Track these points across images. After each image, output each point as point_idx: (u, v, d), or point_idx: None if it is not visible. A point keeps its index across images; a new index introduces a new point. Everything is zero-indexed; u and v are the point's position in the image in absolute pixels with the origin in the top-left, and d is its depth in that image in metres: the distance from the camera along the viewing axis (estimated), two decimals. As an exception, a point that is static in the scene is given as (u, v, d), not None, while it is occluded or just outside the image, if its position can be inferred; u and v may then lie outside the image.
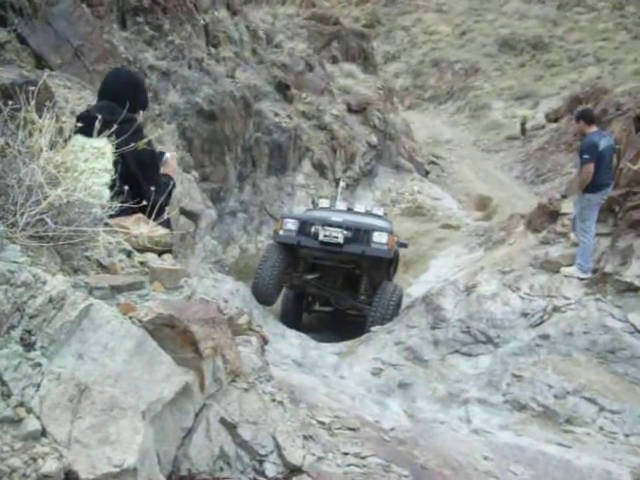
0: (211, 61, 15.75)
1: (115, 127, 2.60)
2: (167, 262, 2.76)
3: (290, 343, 9.57)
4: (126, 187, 2.51)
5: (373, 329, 10.08)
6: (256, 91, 16.91)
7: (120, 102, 3.56)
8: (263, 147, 16.46)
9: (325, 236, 10.66)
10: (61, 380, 1.72)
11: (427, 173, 25.69)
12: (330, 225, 10.76)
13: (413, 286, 13.25)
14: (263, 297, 10.60)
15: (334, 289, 11.59)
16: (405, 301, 11.38)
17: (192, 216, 10.98)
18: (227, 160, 14.72)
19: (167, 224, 3.00)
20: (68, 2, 10.21)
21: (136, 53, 12.93)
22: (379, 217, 12.39)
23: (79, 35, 9.95)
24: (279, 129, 17.08)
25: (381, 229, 11.10)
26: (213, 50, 16.43)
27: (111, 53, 11.48)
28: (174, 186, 3.89)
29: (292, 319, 12.04)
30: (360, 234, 10.77)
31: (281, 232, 10.99)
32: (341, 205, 12.73)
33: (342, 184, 16.16)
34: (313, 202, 14.18)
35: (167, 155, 4.02)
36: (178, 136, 12.96)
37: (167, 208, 3.06)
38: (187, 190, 10.89)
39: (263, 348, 3.71)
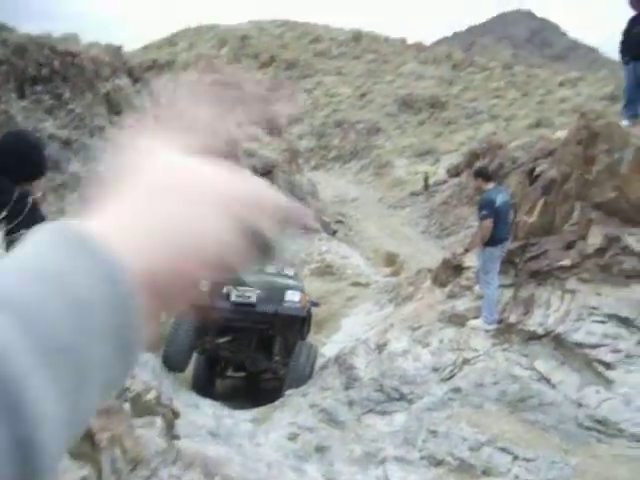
0: (113, 129, 15.63)
1: (4, 213, 2.50)
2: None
3: (204, 413, 9.34)
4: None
5: (288, 392, 9.99)
6: (161, 158, 16.83)
7: (7, 174, 3.41)
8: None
9: (238, 296, 10.47)
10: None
11: (335, 232, 25.99)
12: (242, 285, 10.56)
13: (326, 346, 13.25)
14: (174, 364, 10.29)
15: (248, 352, 11.27)
16: (319, 361, 11.36)
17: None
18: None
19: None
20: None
21: (36, 123, 12.72)
22: (290, 277, 12.26)
23: (-27, 109, 9.74)
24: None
25: (293, 288, 11.05)
26: (115, 118, 16.32)
27: (7, 124, 11.25)
28: None
29: (205, 386, 11.62)
30: (273, 293, 10.65)
31: None
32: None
33: None
34: None
35: None
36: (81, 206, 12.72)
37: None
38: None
39: (172, 425, 3.61)
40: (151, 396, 3.45)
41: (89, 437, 1.98)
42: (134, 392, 3.22)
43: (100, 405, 1.61)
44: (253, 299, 10.49)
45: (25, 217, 2.81)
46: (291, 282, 11.67)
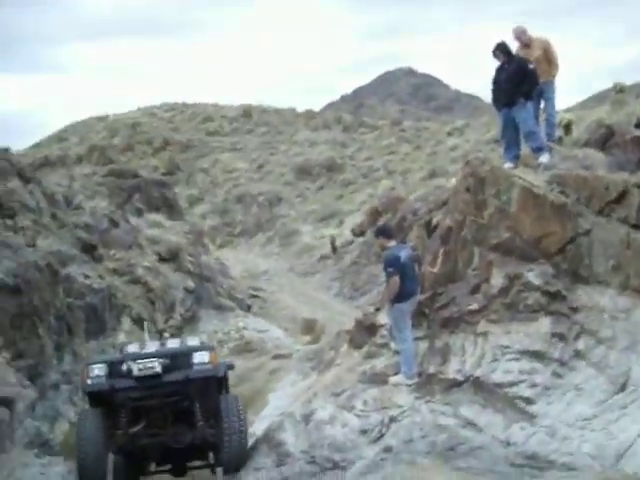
0: (8, 233, 15.23)
1: None
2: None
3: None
4: None
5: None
6: (61, 256, 16.48)
7: None
8: (77, 312, 15.89)
9: (140, 369, 9.46)
10: None
11: (249, 307, 25.89)
12: (144, 357, 9.69)
13: (255, 424, 13.01)
14: (93, 476, 9.27)
15: (166, 431, 10.02)
16: (249, 441, 11.09)
17: (6, 402, 10.19)
18: (40, 332, 14.03)
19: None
20: None
21: None
22: (195, 342, 11.27)
23: None
24: (92, 291, 16.64)
25: (200, 349, 10.23)
26: (9, 221, 15.93)
27: None
28: None
29: None
30: (178, 359, 9.76)
31: (88, 381, 9.62)
32: (152, 345, 11.23)
33: (146, 325, 15.08)
34: (121, 350, 12.20)
35: None
36: (-18, 316, 12.26)
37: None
38: (-2, 375, 10.22)
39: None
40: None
41: None
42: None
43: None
44: (158, 369, 9.50)
45: None
46: (196, 344, 10.91)
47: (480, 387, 8.68)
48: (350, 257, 31.43)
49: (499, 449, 8.07)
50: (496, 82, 10.69)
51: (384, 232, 10.08)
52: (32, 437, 11.03)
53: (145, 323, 15.28)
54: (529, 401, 8.36)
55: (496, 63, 10.63)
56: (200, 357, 9.81)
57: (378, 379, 9.58)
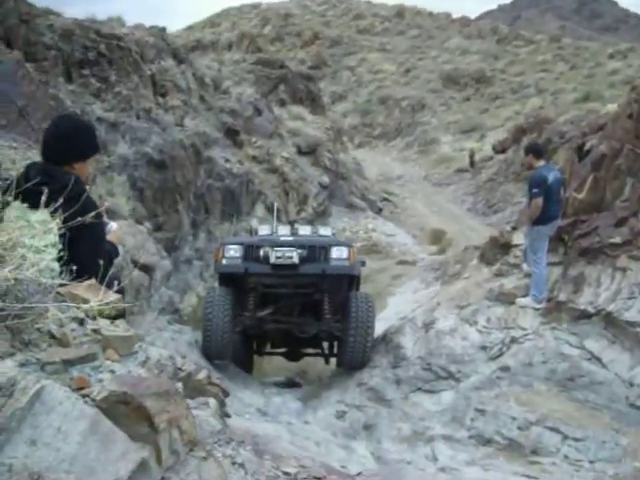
0: (159, 110, 15.76)
1: (60, 201, 2.57)
2: (120, 328, 2.74)
3: (252, 391, 9.47)
4: (74, 267, 2.50)
5: (336, 371, 9.95)
6: (206, 138, 16.96)
7: (57, 158, 3.47)
8: (215, 193, 16.46)
9: (277, 257, 9.16)
10: (13, 472, 1.68)
11: (380, 210, 25.94)
12: (281, 245, 9.36)
13: (373, 324, 13.28)
14: (216, 354, 9.41)
15: (292, 320, 10.09)
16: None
17: (146, 269, 10.80)
18: (180, 208, 14.68)
19: (119, 290, 2.98)
20: (11, 62, 10.17)
21: (83, 106, 12.88)
22: (330, 235, 11.03)
23: (24, 95, 9.87)
24: (230, 175, 17.12)
25: (339, 244, 9.84)
26: (161, 99, 16.45)
27: (57, 109, 11.41)
28: (117, 254, 3.88)
29: (242, 365, 10.76)
30: (317, 251, 9.41)
31: (224, 261, 9.48)
32: (284, 229, 11.06)
33: (276, 207, 14.62)
34: (250, 231, 12.34)
35: (113, 225, 3.99)
36: (129, 187, 12.88)
37: (114, 272, 3.04)
38: (141, 242, 10.77)
39: (223, 404, 3.67)
40: (202, 376, 3.50)
41: (148, 419, 2.03)
42: (185, 372, 3.27)
43: (158, 388, 1.64)
44: (295, 259, 9.18)
45: (76, 202, 2.87)
46: (334, 239, 10.54)
47: (611, 322, 8.38)
48: (487, 173, 30.68)
49: (620, 387, 7.84)
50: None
51: (535, 150, 9.59)
52: (165, 304, 11.72)
53: (275, 205, 14.84)
54: (661, 345, 8.02)
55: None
56: (338, 252, 9.50)
57: (505, 298, 9.43)
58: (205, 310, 9.37)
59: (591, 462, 6.83)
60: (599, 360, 8.16)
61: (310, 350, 11.35)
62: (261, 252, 9.29)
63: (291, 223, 16.78)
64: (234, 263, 9.44)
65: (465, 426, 7.75)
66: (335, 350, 10.72)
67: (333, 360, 10.92)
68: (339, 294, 9.89)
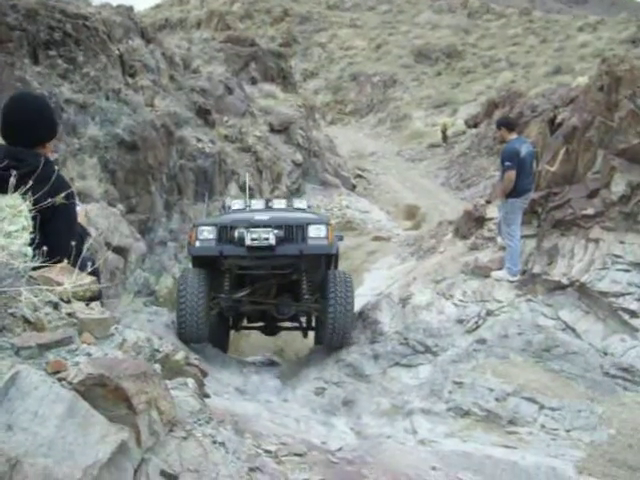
0: (129, 91, 15.54)
1: (30, 183, 2.52)
2: (95, 311, 2.71)
3: (230, 371, 9.46)
4: (45, 248, 2.45)
5: (313, 348, 9.98)
6: (177, 118, 16.78)
7: (23, 140, 3.35)
8: (188, 174, 16.32)
9: (253, 239, 8.80)
10: (-10, 458, 1.66)
11: (354, 187, 25.91)
12: (257, 226, 8.97)
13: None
14: (192, 338, 9.08)
15: (270, 301, 9.91)
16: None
17: (121, 251, 10.71)
18: (153, 190, 14.54)
19: (94, 272, 2.94)
20: (-26, 44, 9.98)
21: (51, 87, 12.67)
22: (304, 210, 10.74)
23: (-12, 76, 9.70)
24: (203, 155, 16.98)
25: (317, 221, 9.39)
26: (130, 80, 16.23)
27: (24, 90, 11.21)
28: (89, 235, 3.83)
29: (218, 342, 10.53)
30: (294, 231, 9.04)
31: (197, 243, 9.12)
32: (257, 203, 10.77)
33: (248, 180, 13.76)
34: (223, 206, 11.86)
35: (78, 207, 3.91)
36: (100, 169, 12.72)
37: (87, 254, 2.99)
38: (114, 225, 10.66)
39: (202, 384, 3.66)
40: (180, 357, 3.48)
41: (126, 400, 2.02)
42: (163, 354, 3.26)
43: (136, 369, 1.62)
44: (272, 241, 8.82)
45: (46, 184, 2.82)
46: (311, 215, 10.13)
47: (585, 293, 8.49)
48: (460, 148, 30.74)
49: (595, 357, 7.96)
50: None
51: (507, 124, 9.62)
52: (141, 287, 11.64)
53: (247, 179, 13.91)
54: (633, 314, 8.13)
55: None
56: (316, 231, 9.10)
57: (480, 272, 9.51)
58: (179, 294, 9.03)
59: (567, 431, 6.93)
60: (574, 330, 8.28)
61: (288, 324, 11.15)
62: (236, 233, 8.92)
63: (266, 201, 16.63)
64: (208, 245, 9.09)
65: (443, 399, 7.82)
66: (313, 324, 10.67)
67: (311, 335, 10.92)
68: (317, 274, 9.63)
